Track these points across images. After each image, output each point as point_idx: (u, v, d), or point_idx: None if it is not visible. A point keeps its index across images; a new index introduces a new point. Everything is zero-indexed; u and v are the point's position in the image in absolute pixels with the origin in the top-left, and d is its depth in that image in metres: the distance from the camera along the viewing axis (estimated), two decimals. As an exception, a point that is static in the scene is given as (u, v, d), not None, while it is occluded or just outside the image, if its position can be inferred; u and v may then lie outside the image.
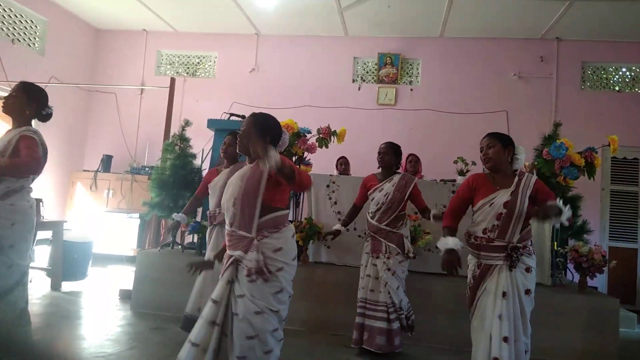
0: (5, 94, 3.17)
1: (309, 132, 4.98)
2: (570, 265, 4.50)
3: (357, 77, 8.06)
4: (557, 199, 2.68)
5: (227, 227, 2.37)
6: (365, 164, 5.67)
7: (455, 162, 5.15)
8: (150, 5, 7.42)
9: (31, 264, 5.54)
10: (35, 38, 7.37)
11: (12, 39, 6.87)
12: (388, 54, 7.84)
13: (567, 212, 2.56)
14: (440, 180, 5.00)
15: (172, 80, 6.37)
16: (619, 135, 4.48)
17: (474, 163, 4.86)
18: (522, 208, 2.74)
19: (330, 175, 5.09)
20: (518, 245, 2.72)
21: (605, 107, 7.20)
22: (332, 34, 7.94)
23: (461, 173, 5.10)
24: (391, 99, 7.76)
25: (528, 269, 2.75)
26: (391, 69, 7.83)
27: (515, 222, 2.72)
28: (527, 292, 2.74)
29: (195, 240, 5.15)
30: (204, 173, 5.13)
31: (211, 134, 5.34)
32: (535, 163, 4.69)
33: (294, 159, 4.97)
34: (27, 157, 2.86)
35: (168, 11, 7.65)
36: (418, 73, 7.90)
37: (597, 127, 6.69)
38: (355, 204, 4.04)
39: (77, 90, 8.09)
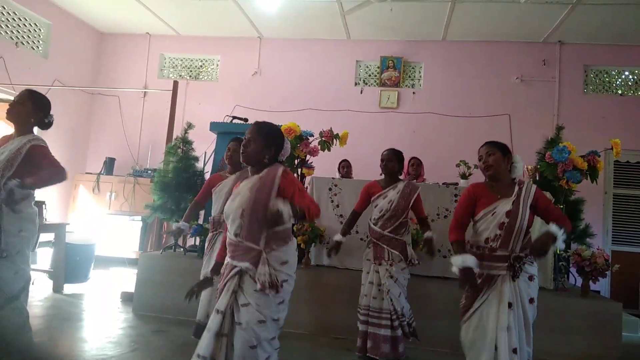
0: (9, 97, 3.19)
1: (312, 135, 4.98)
2: (573, 269, 4.49)
3: (360, 80, 8.07)
4: (557, 205, 2.68)
5: (230, 236, 2.36)
6: (368, 167, 5.68)
7: (458, 165, 5.14)
8: (153, 9, 7.45)
9: (33, 266, 5.59)
10: (39, 41, 7.41)
11: (16, 42, 6.90)
12: (390, 57, 7.85)
13: (560, 238, 2.56)
14: (443, 184, 5.00)
15: (175, 84, 6.40)
16: (621, 139, 4.48)
17: (476, 167, 4.84)
18: (524, 217, 2.72)
19: (333, 178, 5.09)
20: (521, 255, 2.70)
21: (607, 111, 7.18)
22: (335, 37, 7.95)
23: (463, 176, 5.10)
24: (393, 102, 7.77)
25: (531, 278, 2.73)
26: (393, 72, 7.84)
27: (517, 231, 2.70)
28: (531, 300, 2.72)
29: (198, 243, 5.15)
30: (207, 176, 5.15)
31: (214, 136, 5.35)
32: (538, 166, 4.69)
33: (296, 162, 4.98)
34: (53, 168, 2.96)
35: (171, 15, 7.68)
36: (420, 76, 7.90)
37: (599, 130, 6.69)
38: (355, 210, 3.97)
39: (80, 93, 8.13)
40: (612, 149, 4.42)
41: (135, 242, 7.26)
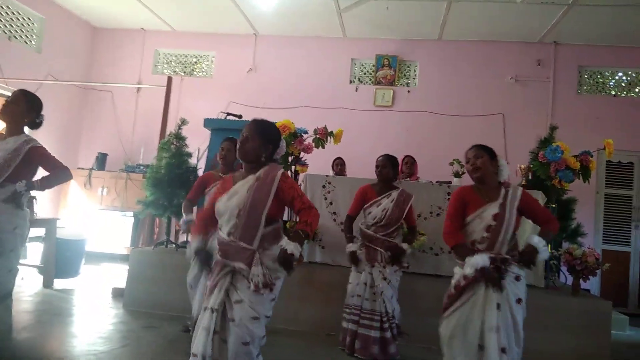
0: (2, 91, 3.20)
1: (306, 133, 4.97)
2: (564, 268, 4.51)
3: (355, 78, 8.07)
4: (549, 205, 2.69)
5: (222, 235, 2.33)
6: (362, 165, 5.68)
7: (451, 164, 5.15)
8: (148, 4, 7.41)
9: (24, 261, 5.56)
10: (32, 35, 7.35)
11: (9, 36, 6.84)
12: (386, 55, 7.85)
13: (543, 252, 2.63)
14: (437, 182, 5.00)
15: (169, 79, 6.36)
16: (614, 139, 4.51)
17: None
18: (511, 220, 2.73)
19: (327, 175, 5.08)
20: (507, 257, 2.71)
21: (601, 111, 7.22)
22: (330, 35, 7.95)
23: (457, 175, 5.11)
24: (388, 100, 7.77)
25: (517, 278, 2.74)
26: (389, 70, 7.84)
27: (504, 234, 2.71)
28: (519, 301, 2.73)
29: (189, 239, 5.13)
30: (200, 172, 5.13)
31: (207, 133, 5.33)
32: (531, 166, 4.70)
33: (290, 159, 4.97)
34: (59, 169, 3.09)
35: (166, 10, 7.64)
36: (415, 75, 7.91)
37: (592, 130, 6.72)
38: (350, 215, 3.93)
39: (73, 88, 8.07)
40: (604, 149, 4.45)
41: (127, 238, 7.24)
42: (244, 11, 7.33)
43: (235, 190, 2.34)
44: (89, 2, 7.54)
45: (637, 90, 7.42)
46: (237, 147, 2.41)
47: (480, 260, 2.61)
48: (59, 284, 5.45)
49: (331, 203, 4.85)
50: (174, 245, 5.09)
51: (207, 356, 2.18)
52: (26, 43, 7.24)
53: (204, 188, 3.92)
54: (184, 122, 5.07)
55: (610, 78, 7.52)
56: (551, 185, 4.48)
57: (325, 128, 4.99)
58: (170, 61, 8.59)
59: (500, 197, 2.78)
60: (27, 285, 5.22)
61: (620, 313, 5.64)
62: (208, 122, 5.24)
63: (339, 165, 6.26)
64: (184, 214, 3.96)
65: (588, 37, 7.19)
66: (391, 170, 3.85)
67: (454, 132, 7.32)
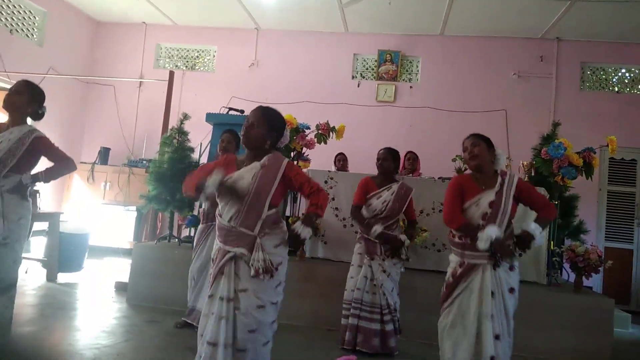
0: (3, 85, 3.22)
1: (308, 128, 4.97)
2: (566, 265, 4.52)
3: (357, 73, 8.05)
4: (552, 202, 2.69)
5: (222, 221, 2.34)
6: (364, 161, 5.67)
7: (454, 160, 5.15)
8: (150, -2, 7.39)
9: (27, 255, 5.58)
10: (34, 29, 7.33)
11: (11, 30, 6.83)
12: (388, 51, 7.83)
13: (539, 238, 2.71)
14: (439, 178, 5.00)
15: (171, 74, 6.35)
16: (617, 136, 4.49)
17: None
18: (507, 208, 2.75)
19: (329, 171, 5.09)
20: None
21: (604, 108, 7.20)
22: (333, 30, 7.92)
23: (459, 171, 5.10)
24: (390, 96, 7.76)
25: (511, 268, 2.77)
26: (391, 66, 7.82)
27: (500, 222, 2.73)
28: (511, 290, 2.75)
29: (192, 234, 5.14)
30: (202, 167, 5.12)
31: (209, 127, 5.32)
32: (534, 162, 4.70)
33: (292, 154, 4.97)
34: (63, 160, 3.14)
35: (168, 4, 7.61)
36: (418, 70, 7.89)
37: (595, 127, 6.70)
38: (357, 204, 3.86)
39: (75, 82, 8.06)
40: (607, 146, 4.44)
41: (130, 233, 7.26)
42: (245, 6, 7.31)
43: (240, 175, 2.34)
44: (91, -4, 7.53)
45: (640, 86, 7.39)
46: (242, 132, 2.40)
47: (492, 231, 2.63)
48: (62, 277, 5.47)
49: (333, 198, 4.85)
50: (176, 239, 5.11)
51: (228, 344, 2.20)
52: (28, 37, 7.22)
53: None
54: (186, 116, 5.07)
55: (613, 75, 7.50)
56: (554, 182, 4.47)
57: (327, 123, 4.98)
58: (172, 55, 8.58)
59: (496, 185, 2.81)
60: (30, 279, 5.24)
61: (622, 311, 5.64)
62: (210, 117, 5.23)
63: (341, 161, 6.26)
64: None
65: (591, 33, 7.16)
66: (392, 163, 3.85)
67: (456, 128, 7.28)
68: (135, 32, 8.45)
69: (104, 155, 7.81)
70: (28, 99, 3.10)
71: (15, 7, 6.97)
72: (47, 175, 3.07)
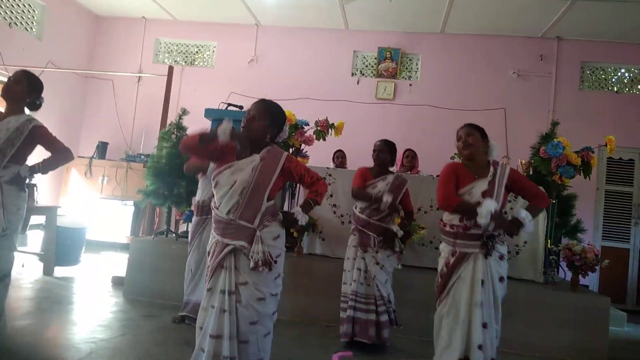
0: (2, 78, 3.20)
1: (307, 125, 4.96)
2: (563, 263, 4.52)
3: (356, 70, 8.04)
4: (551, 200, 2.70)
5: (220, 214, 2.33)
6: (362, 158, 5.65)
7: (452, 158, 5.12)
8: (149, -8, 7.36)
9: (24, 249, 5.58)
10: (33, 22, 7.30)
11: (10, 23, 6.80)
12: (388, 48, 7.82)
13: (528, 225, 2.74)
14: (437, 176, 4.97)
15: (170, 69, 6.34)
16: (615, 136, 4.49)
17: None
18: (499, 198, 2.79)
19: (327, 168, 5.09)
20: (494, 233, 2.76)
21: (602, 108, 7.21)
22: (333, 27, 7.91)
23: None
24: (389, 93, 7.75)
25: (501, 257, 2.81)
26: (390, 63, 7.81)
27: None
28: (501, 279, 2.80)
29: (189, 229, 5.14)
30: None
31: (208, 123, 5.30)
32: (532, 161, 4.70)
33: (290, 150, 4.97)
34: (60, 151, 3.09)
35: (168, -1, 7.60)
36: (417, 68, 7.88)
37: (594, 127, 6.71)
38: (358, 186, 3.82)
39: (74, 76, 8.04)
40: (606, 145, 4.44)
41: (127, 227, 7.24)
42: (246, 1, 7.29)
43: (240, 166, 2.34)
44: (90, -11, 7.49)
45: (639, 87, 7.39)
46: (243, 124, 2.39)
47: (491, 204, 2.66)
48: (59, 271, 5.46)
49: (331, 195, 4.85)
50: (174, 234, 5.10)
51: (232, 336, 2.21)
52: (27, 30, 7.19)
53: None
54: (184, 112, 5.07)
55: (612, 74, 7.50)
56: (552, 180, 4.47)
57: (326, 120, 4.98)
58: (172, 50, 8.55)
59: (489, 174, 2.84)
60: (27, 273, 5.23)
61: (618, 309, 5.66)
62: (209, 113, 5.20)
63: (340, 158, 6.25)
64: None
65: (591, 33, 7.16)
66: (388, 155, 3.86)
67: (455, 126, 7.09)
68: (134, 26, 8.42)
69: (101, 149, 7.80)
70: (26, 88, 3.09)
71: (14, 0, 6.94)
72: (45, 166, 3.06)
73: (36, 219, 5.53)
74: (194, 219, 4.05)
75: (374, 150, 3.89)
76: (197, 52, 8.51)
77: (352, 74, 7.98)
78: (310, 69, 7.94)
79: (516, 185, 2.89)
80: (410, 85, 7.76)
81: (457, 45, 7.70)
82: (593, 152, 4.48)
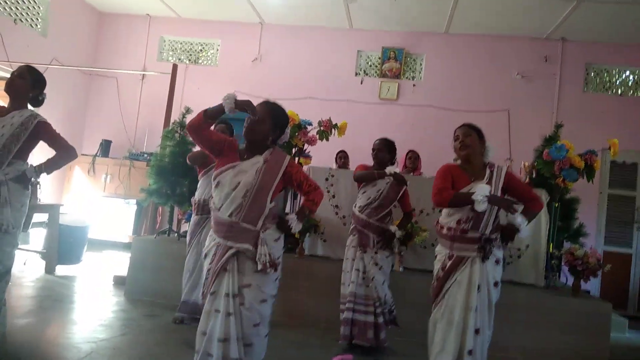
0: (6, 75, 3.20)
1: (310, 124, 4.95)
2: (565, 268, 4.50)
3: (360, 70, 8.02)
4: (554, 204, 2.69)
5: (221, 216, 2.31)
6: (365, 159, 5.64)
7: (455, 160, 5.12)
8: (154, -10, 7.36)
9: (26, 247, 5.59)
10: (37, 19, 7.30)
11: (15, 19, 6.81)
12: (392, 48, 7.80)
13: (524, 231, 2.72)
14: (439, 178, 4.97)
15: (174, 67, 6.33)
16: (619, 139, 4.46)
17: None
18: None
19: (330, 168, 5.08)
20: (491, 237, 2.74)
21: (606, 110, 7.17)
22: (337, 26, 7.89)
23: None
24: (393, 93, 7.73)
25: (497, 261, 2.79)
26: (394, 63, 7.79)
27: (489, 214, 2.73)
28: (496, 284, 2.78)
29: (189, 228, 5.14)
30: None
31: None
32: (535, 163, 4.68)
33: (293, 150, 4.96)
34: (65, 149, 3.10)
35: (172, -3, 7.59)
36: (421, 68, 7.86)
37: (597, 129, 6.67)
38: (361, 170, 3.93)
39: (78, 74, 8.05)
40: (609, 148, 4.41)
41: (129, 226, 7.26)
42: None
43: (243, 168, 2.34)
44: (94, -13, 7.49)
45: (644, 89, 7.36)
46: (246, 125, 2.40)
47: (485, 189, 2.63)
48: (60, 270, 5.48)
49: (334, 196, 4.85)
50: (176, 234, 5.10)
51: (239, 339, 2.22)
52: (32, 26, 7.19)
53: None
54: (188, 110, 5.06)
55: (617, 77, 7.46)
56: (555, 184, 4.45)
57: (329, 120, 4.97)
58: (176, 48, 8.55)
59: (485, 177, 2.81)
60: (29, 271, 5.25)
61: (620, 315, 5.64)
62: (212, 112, 5.20)
63: (342, 158, 6.24)
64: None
65: (596, 35, 7.12)
66: (387, 154, 3.89)
67: (459, 128, 7.26)
68: (139, 24, 8.42)
69: (105, 147, 7.81)
70: (30, 83, 3.10)
71: (19, -4, 6.95)
72: (49, 166, 3.07)
73: (39, 217, 5.53)
74: (193, 217, 4.05)
75: (373, 150, 3.93)
76: (201, 50, 8.50)
77: (356, 74, 7.96)
78: (314, 68, 7.93)
79: (511, 186, 2.85)
80: (414, 85, 7.74)
81: (461, 46, 7.67)
82: (597, 155, 4.45)
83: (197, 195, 4.05)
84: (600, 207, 6.98)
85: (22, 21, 6.97)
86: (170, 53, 8.55)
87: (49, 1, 7.34)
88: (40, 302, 4.29)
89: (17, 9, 6.92)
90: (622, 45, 7.23)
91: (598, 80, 7.49)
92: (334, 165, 6.07)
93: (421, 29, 7.69)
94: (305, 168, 5.02)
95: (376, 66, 7.94)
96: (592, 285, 6.27)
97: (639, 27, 6.66)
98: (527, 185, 3.02)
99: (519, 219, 2.71)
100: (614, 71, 7.46)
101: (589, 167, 4.43)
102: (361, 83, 7.84)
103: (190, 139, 5.01)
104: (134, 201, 7.19)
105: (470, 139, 2.87)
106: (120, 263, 5.77)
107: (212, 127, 2.48)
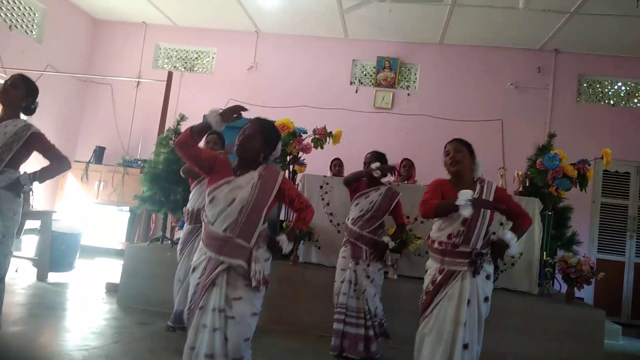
0: (1, 81, 3.19)
1: (305, 132, 4.97)
2: (558, 276, 4.52)
3: (355, 79, 8.06)
4: (546, 212, 2.70)
5: (215, 230, 2.29)
6: (359, 167, 5.65)
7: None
8: (150, -2, 7.38)
9: (18, 254, 5.54)
10: (33, 25, 7.31)
11: (10, 25, 6.81)
12: (387, 57, 7.85)
13: (514, 247, 2.73)
14: (433, 186, 4.99)
15: (170, 74, 6.35)
16: (611, 149, 4.52)
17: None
18: (486, 215, 2.75)
19: (324, 176, 5.09)
20: (482, 251, 2.73)
21: (599, 120, 7.25)
22: (332, 35, 7.94)
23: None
24: (388, 102, 7.77)
25: (488, 277, 2.77)
26: (389, 73, 7.85)
27: (479, 229, 2.73)
28: (486, 299, 2.76)
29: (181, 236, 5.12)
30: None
31: (206, 129, 5.31)
32: (529, 173, 4.71)
33: (288, 158, 4.97)
34: (59, 160, 3.11)
35: (168, 4, 7.61)
36: (416, 78, 7.91)
37: (590, 139, 6.74)
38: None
39: (73, 80, 8.04)
40: (602, 158, 4.45)
41: (122, 233, 7.21)
42: (246, 8, 7.32)
43: (238, 184, 2.33)
44: (90, -6, 7.51)
45: (635, 100, 7.44)
46: (237, 142, 2.40)
47: (465, 194, 2.60)
48: (53, 277, 5.43)
49: (328, 204, 4.85)
50: (169, 241, 5.08)
51: (224, 354, 2.20)
52: (27, 33, 7.20)
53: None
54: (182, 117, 5.07)
55: (609, 87, 7.55)
56: (548, 192, 4.48)
57: (324, 128, 4.98)
58: (171, 56, 8.57)
59: (476, 192, 2.78)
60: (21, 278, 5.20)
61: (613, 322, 5.66)
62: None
63: (337, 166, 6.26)
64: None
65: (589, 46, 7.21)
66: None
67: (452, 137, 7.18)
68: (134, 31, 8.44)
69: (98, 154, 7.78)
70: (23, 92, 3.10)
71: (15, 2, 6.95)
72: (42, 175, 3.06)
73: (31, 224, 5.49)
74: (186, 227, 4.02)
75: (365, 163, 3.92)
76: (196, 58, 8.53)
77: (351, 83, 8.00)
78: (309, 77, 7.96)
79: (500, 202, 2.83)
80: (409, 95, 7.79)
81: (456, 56, 7.74)
82: (589, 165, 4.50)
83: (190, 205, 4.01)
84: (594, 215, 7.03)
85: (17, 27, 6.97)
86: (166, 60, 8.57)
87: (44, 8, 7.35)
88: (32, 309, 4.24)
89: (13, 15, 6.92)
90: (614, 57, 7.32)
91: (591, 91, 7.57)
92: (329, 173, 6.08)
93: (416, 40, 7.76)
94: (300, 176, 5.03)
95: (371, 75, 7.99)
96: (586, 292, 6.30)
97: (631, 39, 6.75)
98: (516, 202, 3.01)
99: (508, 235, 2.72)
100: (606, 82, 7.54)
101: (581, 176, 4.47)
102: (356, 92, 7.89)
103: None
104: (127, 208, 7.15)
105: (461, 155, 2.87)
106: (113, 270, 5.72)
107: (204, 138, 2.48)
